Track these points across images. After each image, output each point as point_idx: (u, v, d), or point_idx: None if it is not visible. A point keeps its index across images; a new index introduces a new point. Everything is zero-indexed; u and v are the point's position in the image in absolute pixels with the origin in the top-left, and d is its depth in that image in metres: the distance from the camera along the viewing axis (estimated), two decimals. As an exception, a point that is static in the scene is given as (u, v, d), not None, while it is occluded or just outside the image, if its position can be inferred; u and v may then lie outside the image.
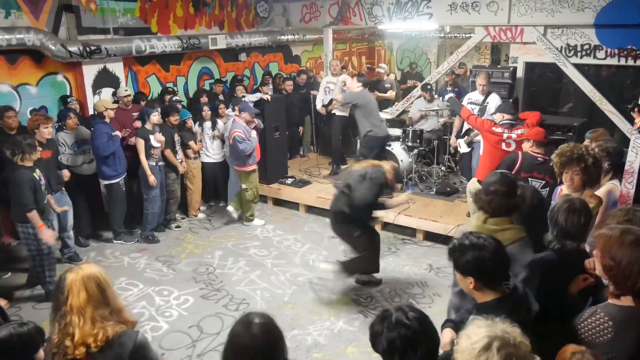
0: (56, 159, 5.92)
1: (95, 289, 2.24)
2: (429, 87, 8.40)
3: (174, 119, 6.88)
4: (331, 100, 8.42)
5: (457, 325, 2.49)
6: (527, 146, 4.81)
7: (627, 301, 2.19)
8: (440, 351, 2.28)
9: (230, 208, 7.23)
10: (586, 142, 4.79)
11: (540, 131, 4.86)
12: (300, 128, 9.61)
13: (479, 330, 1.73)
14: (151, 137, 6.52)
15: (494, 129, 5.51)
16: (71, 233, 6.21)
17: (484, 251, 2.23)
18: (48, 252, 5.21)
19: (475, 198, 3.00)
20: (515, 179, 2.94)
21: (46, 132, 5.56)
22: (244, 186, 7.10)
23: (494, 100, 6.76)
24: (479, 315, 2.16)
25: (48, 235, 5.08)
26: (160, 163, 6.73)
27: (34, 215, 4.95)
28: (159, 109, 6.67)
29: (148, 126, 6.52)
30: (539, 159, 4.62)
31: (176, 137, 6.97)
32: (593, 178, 3.67)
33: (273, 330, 2.01)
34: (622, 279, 2.17)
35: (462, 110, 6.08)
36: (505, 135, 5.41)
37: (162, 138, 6.57)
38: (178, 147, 7.03)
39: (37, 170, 5.08)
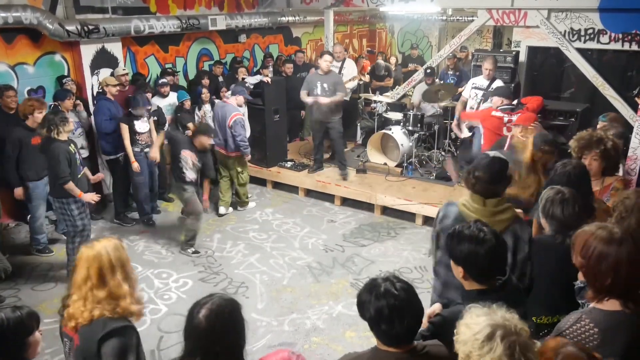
0: None
1: (95, 271, 2.32)
2: (428, 71, 8.31)
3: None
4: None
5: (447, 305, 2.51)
6: (517, 131, 4.73)
7: (612, 305, 2.12)
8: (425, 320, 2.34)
9: (222, 209, 7.19)
10: (600, 124, 4.73)
11: (531, 116, 4.81)
12: (302, 112, 9.53)
13: (478, 320, 1.72)
14: (136, 122, 6.44)
15: (494, 113, 5.46)
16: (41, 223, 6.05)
17: (480, 246, 2.19)
18: (82, 228, 5.23)
19: (464, 175, 2.95)
20: (505, 164, 2.86)
21: (40, 117, 5.46)
22: (239, 169, 7.06)
23: (499, 85, 6.69)
24: (465, 302, 2.19)
25: (89, 197, 5.15)
26: (146, 149, 6.61)
27: (71, 186, 4.99)
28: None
29: (135, 112, 6.41)
30: None
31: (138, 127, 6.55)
32: (612, 163, 3.61)
33: (219, 320, 1.96)
34: (592, 276, 2.16)
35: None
36: (505, 119, 5.36)
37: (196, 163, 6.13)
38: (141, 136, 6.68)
39: (72, 145, 5.14)
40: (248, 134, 7.03)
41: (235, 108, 6.79)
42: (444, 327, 2.16)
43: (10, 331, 2.02)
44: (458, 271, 2.29)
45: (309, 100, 7.38)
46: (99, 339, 2.24)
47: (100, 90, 6.72)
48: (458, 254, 2.26)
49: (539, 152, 4.02)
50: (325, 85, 7.24)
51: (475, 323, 1.70)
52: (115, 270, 2.35)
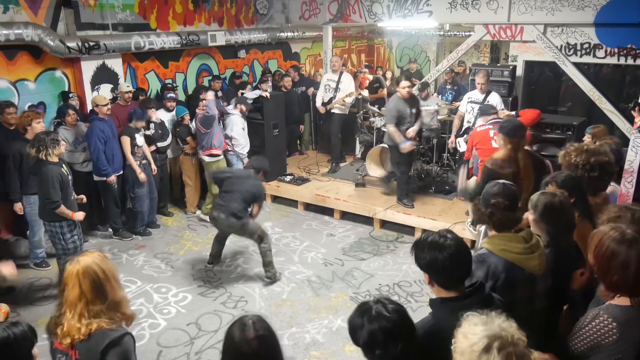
0: None
1: (89, 286, 2.30)
2: (418, 86, 8.33)
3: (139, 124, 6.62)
4: (331, 99, 8.38)
5: None
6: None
7: (624, 301, 2.20)
8: None
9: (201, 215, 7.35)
10: (587, 137, 4.75)
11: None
12: (301, 126, 9.58)
13: (476, 329, 1.72)
14: (136, 135, 6.52)
15: (479, 128, 5.49)
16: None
17: (441, 253, 2.17)
18: (74, 251, 5.12)
19: (474, 209, 2.87)
20: (515, 191, 2.81)
21: (38, 127, 5.51)
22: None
23: (494, 98, 6.74)
24: (432, 310, 2.24)
25: (80, 216, 5.13)
26: (144, 161, 6.73)
27: (62, 209, 4.94)
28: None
29: (133, 125, 6.51)
30: None
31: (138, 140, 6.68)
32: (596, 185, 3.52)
33: (270, 341, 2.03)
34: (603, 273, 2.24)
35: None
36: (492, 133, 5.34)
37: None
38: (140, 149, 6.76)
39: (64, 166, 5.09)
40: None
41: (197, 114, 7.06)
42: (425, 344, 2.14)
43: (17, 345, 2.08)
44: (426, 277, 2.28)
45: (397, 136, 6.67)
46: (101, 350, 2.26)
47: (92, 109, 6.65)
48: (421, 261, 2.25)
49: (506, 140, 4.01)
50: (413, 110, 6.79)
51: (473, 333, 1.71)
52: (110, 279, 2.36)
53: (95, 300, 2.31)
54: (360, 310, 2.03)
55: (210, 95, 7.02)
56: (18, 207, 5.73)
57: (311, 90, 9.39)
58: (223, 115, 7.40)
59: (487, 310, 1.80)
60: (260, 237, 5.63)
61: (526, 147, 4.48)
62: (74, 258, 2.37)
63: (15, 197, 5.72)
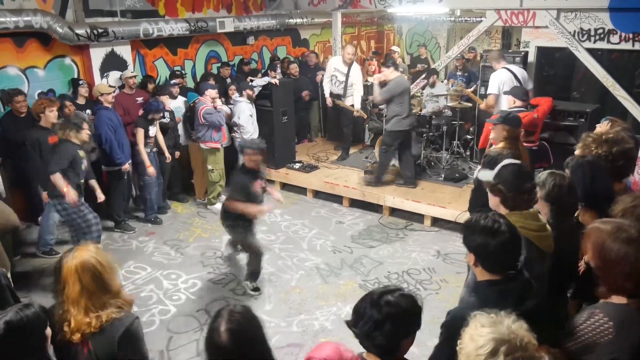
0: None
1: (90, 280, 2.31)
2: (424, 73, 8.26)
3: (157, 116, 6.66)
4: (339, 95, 8.31)
5: None
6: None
7: (620, 299, 2.15)
8: None
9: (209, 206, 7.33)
10: (604, 124, 4.64)
11: (532, 119, 4.69)
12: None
13: (482, 331, 1.66)
14: (150, 127, 6.53)
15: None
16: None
17: (493, 238, 2.17)
18: (87, 226, 5.22)
19: (490, 187, 2.78)
20: (530, 170, 2.81)
21: (52, 115, 5.56)
22: (209, 167, 7.08)
23: (514, 85, 6.46)
24: (476, 293, 2.20)
25: (71, 195, 5.06)
26: (155, 149, 6.76)
27: (56, 178, 4.97)
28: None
29: (150, 117, 6.53)
30: (533, 148, 4.50)
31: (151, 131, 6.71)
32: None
33: (243, 335, 1.98)
34: (610, 275, 2.16)
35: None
36: None
37: None
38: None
39: (82, 152, 5.19)
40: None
41: (201, 103, 6.97)
42: (456, 327, 2.14)
43: (30, 326, 2.11)
44: (471, 257, 2.27)
45: None
46: (118, 339, 2.30)
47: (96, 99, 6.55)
48: (471, 244, 2.25)
49: (506, 129, 3.97)
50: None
51: (479, 335, 1.65)
52: (107, 270, 2.38)
53: (98, 292, 2.33)
54: (369, 299, 2.00)
55: (226, 109, 7.21)
56: (45, 196, 5.59)
57: (320, 76, 9.28)
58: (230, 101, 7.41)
59: (527, 294, 1.84)
60: (255, 253, 5.17)
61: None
62: (69, 254, 2.36)
63: (41, 184, 5.69)
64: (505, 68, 6.65)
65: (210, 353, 2.00)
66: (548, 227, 2.66)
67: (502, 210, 2.69)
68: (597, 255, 2.21)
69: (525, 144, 4.42)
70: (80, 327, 2.28)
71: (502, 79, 6.51)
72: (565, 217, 2.83)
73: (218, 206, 7.19)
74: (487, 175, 2.81)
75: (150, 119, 6.53)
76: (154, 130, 6.64)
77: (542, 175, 2.87)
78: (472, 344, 1.65)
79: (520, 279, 2.23)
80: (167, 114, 6.92)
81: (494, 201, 2.76)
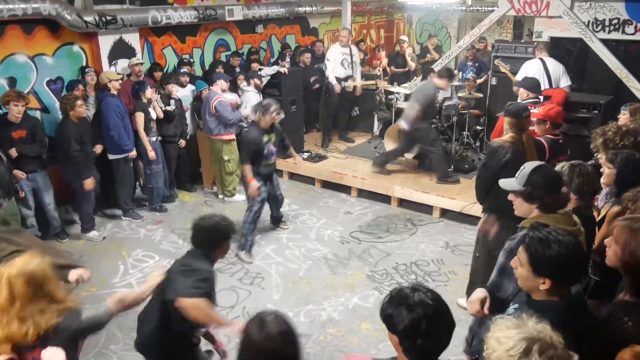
0: (32, 139, 5.67)
1: (22, 287, 2.21)
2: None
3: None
4: (347, 77, 8.28)
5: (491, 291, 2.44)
6: (542, 129, 4.35)
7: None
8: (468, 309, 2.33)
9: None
10: (623, 115, 4.57)
11: (559, 111, 4.58)
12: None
13: (509, 333, 1.60)
14: (150, 109, 6.48)
15: None
16: (52, 210, 6.03)
17: (567, 250, 2.02)
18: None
19: (526, 195, 2.63)
20: (557, 172, 2.71)
21: (15, 110, 5.40)
22: (225, 157, 7.03)
23: (526, 77, 6.38)
24: (531, 309, 1.97)
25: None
26: (159, 138, 6.71)
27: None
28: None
29: (144, 98, 6.46)
30: (560, 141, 4.40)
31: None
32: None
33: (292, 337, 2.05)
34: (637, 275, 2.08)
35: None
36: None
37: None
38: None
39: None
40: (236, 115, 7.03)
41: (213, 93, 6.85)
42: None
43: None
44: (539, 282, 2.06)
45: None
46: (72, 334, 2.33)
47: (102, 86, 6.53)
48: (544, 261, 2.05)
49: (512, 121, 3.94)
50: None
51: (507, 337, 1.59)
52: (48, 279, 2.30)
53: (35, 299, 2.24)
54: (397, 297, 1.87)
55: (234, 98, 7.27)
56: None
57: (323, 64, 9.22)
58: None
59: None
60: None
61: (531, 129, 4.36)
62: (6, 263, 2.31)
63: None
64: (540, 59, 6.55)
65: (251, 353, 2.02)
66: (582, 228, 2.54)
67: (535, 213, 2.61)
68: (629, 254, 2.09)
69: (551, 136, 4.32)
70: (12, 338, 2.17)
71: (530, 69, 6.45)
72: (588, 207, 2.84)
73: (237, 197, 7.22)
74: (510, 184, 2.69)
75: (147, 102, 6.45)
76: (154, 113, 6.56)
77: (565, 167, 2.87)
78: (501, 347, 1.59)
79: (576, 298, 2.16)
80: (172, 102, 6.87)
81: (526, 208, 2.64)
